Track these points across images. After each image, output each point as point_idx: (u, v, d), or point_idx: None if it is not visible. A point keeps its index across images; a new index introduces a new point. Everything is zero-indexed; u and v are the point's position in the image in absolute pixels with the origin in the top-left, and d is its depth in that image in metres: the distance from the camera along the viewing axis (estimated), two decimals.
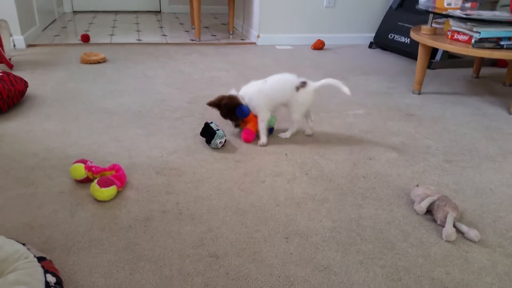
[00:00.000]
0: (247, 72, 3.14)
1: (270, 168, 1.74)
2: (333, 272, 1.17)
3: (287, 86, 1.92)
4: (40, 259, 1.04)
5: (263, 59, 3.57)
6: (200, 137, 1.96)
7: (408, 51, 3.69)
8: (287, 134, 2.04)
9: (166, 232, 1.32)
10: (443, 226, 1.38)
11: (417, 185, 1.56)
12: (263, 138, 1.94)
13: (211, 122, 1.91)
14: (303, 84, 1.92)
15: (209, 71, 3.13)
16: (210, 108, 2.00)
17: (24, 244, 1.09)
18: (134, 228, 1.32)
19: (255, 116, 1.96)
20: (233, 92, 1.96)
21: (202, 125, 1.94)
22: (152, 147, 1.88)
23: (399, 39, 3.77)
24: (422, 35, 2.63)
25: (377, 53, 3.98)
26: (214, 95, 2.54)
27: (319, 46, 3.97)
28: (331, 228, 1.36)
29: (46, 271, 1.01)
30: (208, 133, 1.88)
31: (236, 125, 1.99)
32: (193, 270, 1.16)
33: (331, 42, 4.16)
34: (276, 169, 1.73)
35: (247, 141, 1.96)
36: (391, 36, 3.87)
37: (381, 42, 4.03)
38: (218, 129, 1.86)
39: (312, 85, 1.95)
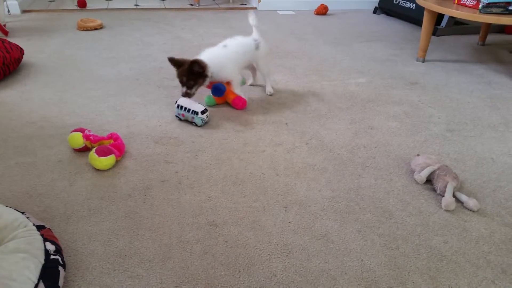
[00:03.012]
0: None
1: (269, 137, 1.72)
2: (331, 240, 1.18)
3: (250, 48, 1.99)
4: (39, 228, 1.05)
5: (264, 24, 3.49)
6: (204, 103, 1.93)
7: (413, 17, 3.59)
8: (270, 89, 2.14)
9: (166, 201, 1.32)
10: (443, 196, 1.37)
11: (418, 154, 1.55)
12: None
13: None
14: (258, 41, 2.02)
15: (209, 38, 3.06)
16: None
17: (23, 213, 1.09)
18: (134, 197, 1.33)
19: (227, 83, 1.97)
20: (201, 57, 1.82)
21: (202, 95, 1.92)
22: (150, 116, 1.86)
23: (404, 4, 3.66)
24: (428, 0, 2.55)
25: (382, 18, 3.88)
26: None
27: (322, 11, 3.87)
28: (330, 198, 1.36)
29: (45, 239, 1.01)
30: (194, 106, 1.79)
31: (186, 94, 1.80)
32: (192, 238, 1.17)
33: (335, 7, 4.05)
34: (276, 139, 1.71)
35: (243, 107, 1.95)
36: (396, 1, 3.76)
37: (386, 7, 3.92)
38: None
39: (259, 38, 2.04)
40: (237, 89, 1.96)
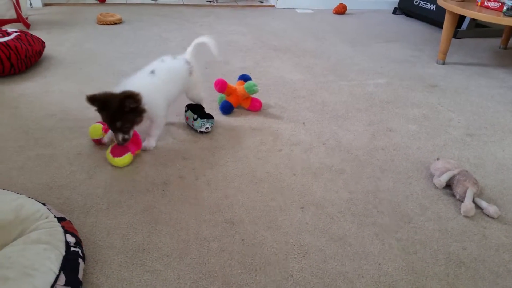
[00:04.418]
0: (265, 37, 3.06)
1: (287, 137, 1.72)
2: (348, 243, 1.17)
3: (183, 74, 1.64)
4: (60, 219, 1.06)
5: (282, 23, 3.47)
6: (217, 103, 1.93)
7: (434, 19, 3.54)
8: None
9: (183, 197, 1.32)
10: (462, 201, 1.36)
11: (437, 159, 1.53)
12: (153, 142, 1.58)
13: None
14: (190, 64, 1.68)
15: (226, 35, 3.07)
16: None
17: (44, 204, 1.11)
18: (152, 192, 1.34)
19: (237, 89, 1.85)
20: (128, 87, 1.37)
21: (217, 93, 1.91)
22: (168, 111, 1.86)
23: (424, 5, 3.62)
24: (449, 2, 2.51)
25: (401, 19, 3.83)
26: (231, 61, 2.50)
27: (341, 10, 3.84)
28: (348, 200, 1.35)
29: (66, 231, 1.03)
30: (201, 112, 1.75)
31: (124, 140, 1.39)
32: (210, 235, 1.17)
33: (354, 7, 4.01)
34: (293, 138, 1.71)
35: (260, 109, 1.93)
36: (416, 2, 3.72)
37: (405, 8, 3.87)
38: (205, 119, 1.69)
39: (192, 60, 1.70)
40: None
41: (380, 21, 3.71)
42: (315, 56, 2.72)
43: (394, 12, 4.02)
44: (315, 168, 1.51)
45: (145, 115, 1.42)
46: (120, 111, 1.32)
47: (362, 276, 1.06)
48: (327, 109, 1.97)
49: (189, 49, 1.72)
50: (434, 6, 3.48)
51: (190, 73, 1.66)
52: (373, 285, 1.04)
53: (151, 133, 1.57)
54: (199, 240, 1.16)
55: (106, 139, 1.56)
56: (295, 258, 1.11)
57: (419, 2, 3.67)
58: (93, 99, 1.31)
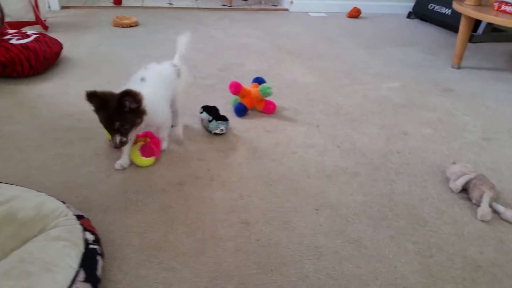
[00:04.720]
0: (279, 41, 3.07)
1: (301, 139, 1.72)
2: (363, 245, 1.17)
3: (172, 77, 1.57)
4: (79, 217, 1.08)
5: (295, 26, 3.48)
6: (231, 106, 1.94)
7: (449, 23, 3.51)
8: (181, 131, 1.67)
9: (199, 197, 1.34)
10: (479, 206, 1.34)
11: (454, 163, 1.52)
12: (165, 144, 1.58)
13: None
14: (178, 67, 1.63)
15: (240, 38, 3.08)
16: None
17: (64, 202, 1.13)
18: (168, 191, 1.35)
19: (252, 90, 1.86)
20: (133, 89, 1.31)
21: (231, 95, 1.92)
22: (183, 113, 1.88)
23: (439, 9, 3.59)
24: (465, 6, 2.49)
25: (416, 23, 3.81)
26: (245, 63, 2.52)
27: (354, 14, 3.84)
28: (362, 202, 1.35)
29: (85, 229, 1.05)
30: (216, 114, 1.75)
31: (122, 143, 1.31)
32: (225, 235, 1.18)
33: (368, 11, 4.00)
34: (307, 141, 1.71)
35: (274, 111, 1.94)
36: (431, 6, 3.69)
37: (420, 12, 3.86)
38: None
39: (179, 63, 1.66)
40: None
41: (394, 25, 3.70)
42: (328, 59, 2.72)
43: (408, 16, 4.00)
44: (329, 170, 1.51)
45: (150, 122, 1.39)
46: (120, 111, 1.25)
47: (377, 279, 1.06)
48: (341, 112, 1.97)
49: (178, 53, 1.69)
50: (450, 10, 3.46)
51: (178, 75, 1.60)
52: (389, 287, 1.04)
53: (161, 135, 1.55)
54: (214, 239, 1.17)
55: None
56: (310, 259, 1.11)
57: (434, 7, 3.65)
58: (93, 96, 1.25)
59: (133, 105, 1.27)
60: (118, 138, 1.29)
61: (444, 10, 3.54)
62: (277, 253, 1.13)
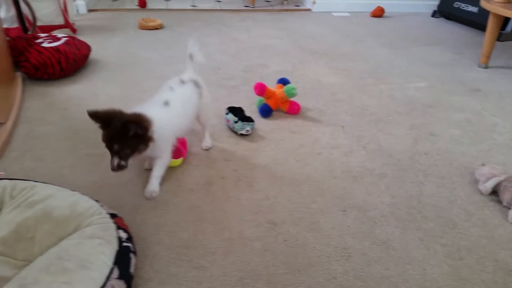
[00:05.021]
0: (302, 41, 3.07)
1: (326, 140, 1.72)
2: (392, 247, 1.16)
3: (195, 100, 1.47)
4: (112, 216, 1.11)
5: (318, 26, 3.47)
6: (256, 106, 1.96)
7: (476, 21, 3.44)
8: (209, 142, 1.63)
9: (226, 197, 1.35)
10: (510, 208, 1.32)
11: (483, 164, 1.50)
12: (156, 186, 1.36)
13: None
14: (199, 86, 1.51)
15: (263, 39, 3.10)
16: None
17: (97, 201, 1.16)
18: (196, 191, 1.37)
19: (277, 91, 1.85)
20: (139, 111, 1.24)
21: (256, 96, 1.93)
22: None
23: (466, 8, 3.52)
24: (494, 3, 2.44)
25: (441, 22, 3.75)
26: (269, 64, 2.53)
27: (378, 13, 3.80)
28: (390, 204, 1.34)
29: (118, 227, 1.07)
30: (242, 115, 1.77)
31: (119, 167, 1.20)
32: (252, 235, 1.19)
33: (392, 10, 3.96)
34: (332, 142, 1.71)
35: (298, 111, 1.94)
36: (456, 4, 3.62)
37: (445, 11, 3.79)
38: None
39: (198, 78, 1.54)
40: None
41: (419, 24, 3.65)
42: (353, 59, 2.71)
43: (433, 15, 3.93)
44: (355, 171, 1.51)
45: (151, 150, 1.26)
46: (122, 134, 1.15)
47: (407, 281, 1.06)
48: (366, 113, 1.96)
49: (190, 64, 1.56)
50: (477, 8, 3.39)
51: (201, 95, 1.50)
52: None
53: (155, 172, 1.34)
54: (242, 239, 1.18)
55: None
56: (338, 260, 1.11)
57: (460, 5, 3.58)
58: (94, 115, 1.16)
59: (139, 131, 1.17)
60: (116, 161, 1.18)
61: (471, 8, 3.46)
62: (305, 253, 1.14)
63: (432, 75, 2.46)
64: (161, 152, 1.33)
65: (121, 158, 1.19)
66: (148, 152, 1.26)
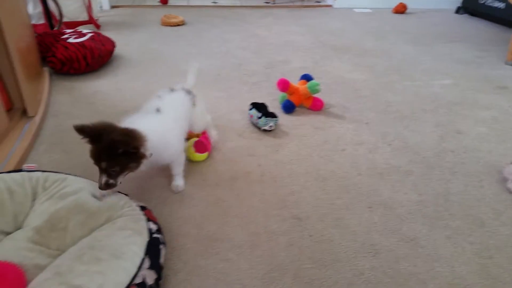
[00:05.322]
0: (323, 37, 3.05)
1: (350, 136, 1.71)
2: (419, 245, 1.15)
3: (188, 107, 1.40)
4: (142, 208, 1.13)
5: (340, 22, 3.45)
6: (278, 102, 1.96)
7: (503, 18, 3.37)
8: (213, 132, 1.62)
9: (250, 192, 1.36)
10: None
11: (511, 163, 1.47)
12: (180, 181, 1.37)
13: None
14: (192, 94, 1.43)
15: (284, 35, 3.09)
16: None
17: (126, 195, 1.19)
18: (221, 186, 1.39)
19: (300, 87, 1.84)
20: (129, 124, 1.14)
21: (278, 92, 1.93)
22: (232, 110, 1.92)
23: (492, 3, 3.45)
24: None
25: (465, 19, 3.68)
26: (290, 60, 2.52)
27: (400, 9, 3.75)
28: (417, 201, 1.33)
29: (148, 219, 1.09)
30: (265, 110, 1.78)
31: (107, 185, 1.08)
32: (278, 230, 1.20)
33: (414, 6, 3.90)
34: (357, 138, 1.70)
35: (322, 108, 1.93)
36: (482, 0, 3.55)
37: (470, 7, 3.72)
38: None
39: (192, 89, 1.46)
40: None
41: (443, 21, 3.59)
42: (375, 55, 2.68)
43: (457, 12, 3.86)
44: (381, 168, 1.50)
45: (160, 159, 1.20)
46: (111, 152, 1.04)
47: (435, 278, 1.05)
48: (391, 109, 1.94)
49: (191, 75, 1.52)
50: (504, 4, 3.31)
51: (194, 103, 1.43)
52: (447, 287, 1.02)
53: (175, 171, 1.35)
54: (268, 233, 1.19)
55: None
56: (365, 256, 1.11)
57: (486, 1, 3.51)
58: (81, 130, 1.04)
59: (128, 149, 1.05)
60: (103, 179, 1.07)
61: (497, 4, 3.39)
62: (331, 249, 1.14)
63: (457, 72, 2.42)
64: (179, 155, 1.32)
65: (109, 176, 1.07)
66: (159, 161, 1.22)
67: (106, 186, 1.08)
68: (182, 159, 1.35)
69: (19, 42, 1.71)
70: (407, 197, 1.34)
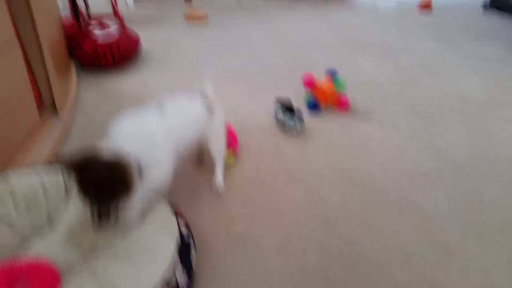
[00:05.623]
0: (347, 32, 3.01)
1: (377, 137, 1.69)
2: (451, 250, 1.13)
3: (201, 116, 1.21)
4: (173, 209, 1.13)
5: (363, 18, 3.40)
6: (303, 98, 1.94)
7: None
8: (220, 180, 1.35)
9: (278, 193, 1.36)
10: None
11: None
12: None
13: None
14: (210, 100, 1.26)
15: (307, 30, 3.06)
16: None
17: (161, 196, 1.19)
18: (248, 186, 1.38)
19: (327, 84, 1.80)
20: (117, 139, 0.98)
21: (303, 88, 1.92)
22: (257, 106, 1.91)
23: None
24: None
25: (493, 15, 3.58)
26: (313, 55, 2.49)
27: (426, 5, 3.67)
28: (447, 204, 1.30)
29: (179, 221, 1.09)
30: (291, 109, 1.76)
31: (102, 220, 0.95)
32: (306, 231, 1.19)
33: (440, 1, 3.82)
34: (383, 139, 1.67)
35: (346, 105, 1.91)
36: None
37: (498, 2, 3.61)
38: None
39: (213, 96, 1.29)
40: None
41: (470, 17, 3.50)
42: (399, 52, 2.63)
43: (485, 8, 3.76)
44: (410, 170, 1.47)
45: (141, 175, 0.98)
46: (96, 190, 0.91)
47: (470, 283, 1.03)
48: (417, 108, 1.91)
49: (208, 84, 1.33)
50: None
51: (210, 112, 1.23)
52: None
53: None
54: (296, 234, 1.18)
55: None
56: (397, 260, 1.10)
57: None
58: (66, 165, 0.91)
59: (115, 186, 0.92)
60: (96, 214, 0.94)
61: None
62: (360, 251, 1.12)
63: (485, 71, 2.36)
64: (160, 179, 1.06)
65: (101, 215, 0.94)
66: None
67: (99, 221, 0.95)
68: (164, 181, 1.06)
69: (50, 37, 1.72)
70: (437, 200, 1.32)
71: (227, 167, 1.45)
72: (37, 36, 1.55)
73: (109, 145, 0.95)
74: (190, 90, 1.28)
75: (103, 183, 0.89)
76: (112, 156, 0.91)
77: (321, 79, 1.90)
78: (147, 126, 1.03)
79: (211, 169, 1.40)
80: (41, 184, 1.11)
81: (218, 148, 1.32)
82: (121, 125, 1.01)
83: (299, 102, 1.92)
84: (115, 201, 0.94)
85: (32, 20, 1.51)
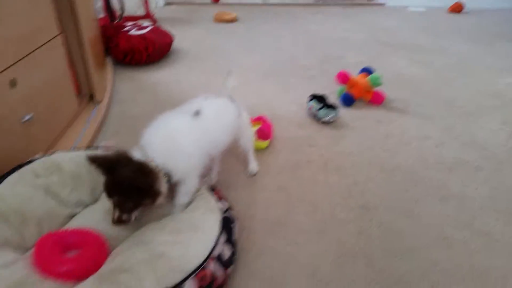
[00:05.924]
0: (377, 34, 3.00)
1: (413, 131, 1.67)
2: (495, 239, 1.11)
3: (233, 116, 1.22)
4: (212, 189, 1.15)
5: (393, 20, 3.38)
6: (336, 96, 1.94)
7: None
8: (254, 167, 1.39)
9: (313, 180, 1.35)
10: None
11: None
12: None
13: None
14: (236, 103, 1.27)
15: (337, 32, 3.06)
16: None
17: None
18: (283, 174, 1.38)
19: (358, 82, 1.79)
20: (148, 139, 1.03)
21: (335, 86, 1.92)
22: (290, 102, 1.92)
23: None
24: None
25: None
26: (345, 56, 2.50)
27: (457, 8, 3.63)
28: (489, 196, 1.27)
29: (217, 200, 1.11)
30: (325, 102, 1.78)
31: (119, 221, 0.96)
32: (345, 218, 1.18)
33: (471, 5, 3.76)
34: (421, 133, 1.65)
35: (382, 102, 1.89)
36: None
37: None
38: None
39: (233, 97, 1.29)
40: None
41: (502, 20, 3.44)
42: (432, 53, 2.61)
43: None
44: (449, 163, 1.45)
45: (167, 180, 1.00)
46: (123, 188, 0.94)
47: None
48: (454, 106, 1.88)
49: (229, 84, 1.32)
50: None
51: (239, 113, 1.26)
52: None
53: (176, 200, 1.07)
54: (335, 221, 1.17)
55: None
56: (438, 248, 1.08)
57: None
58: (94, 161, 0.94)
59: (142, 187, 0.94)
60: (116, 214, 0.97)
61: None
62: (401, 239, 1.11)
63: None
64: (187, 175, 1.05)
65: (122, 211, 0.97)
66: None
67: (118, 222, 0.97)
68: (192, 186, 1.08)
69: (90, 33, 1.79)
70: (478, 192, 1.29)
71: (259, 150, 1.48)
72: (80, 33, 1.64)
73: (140, 152, 0.99)
74: (220, 89, 1.29)
75: (129, 186, 0.92)
76: (141, 162, 0.95)
77: (357, 77, 1.90)
78: (179, 136, 1.05)
79: (244, 161, 1.42)
80: (84, 161, 1.15)
81: (248, 142, 1.35)
82: (153, 134, 1.04)
83: (332, 98, 1.91)
84: (137, 205, 0.97)
85: (75, 19, 1.61)
